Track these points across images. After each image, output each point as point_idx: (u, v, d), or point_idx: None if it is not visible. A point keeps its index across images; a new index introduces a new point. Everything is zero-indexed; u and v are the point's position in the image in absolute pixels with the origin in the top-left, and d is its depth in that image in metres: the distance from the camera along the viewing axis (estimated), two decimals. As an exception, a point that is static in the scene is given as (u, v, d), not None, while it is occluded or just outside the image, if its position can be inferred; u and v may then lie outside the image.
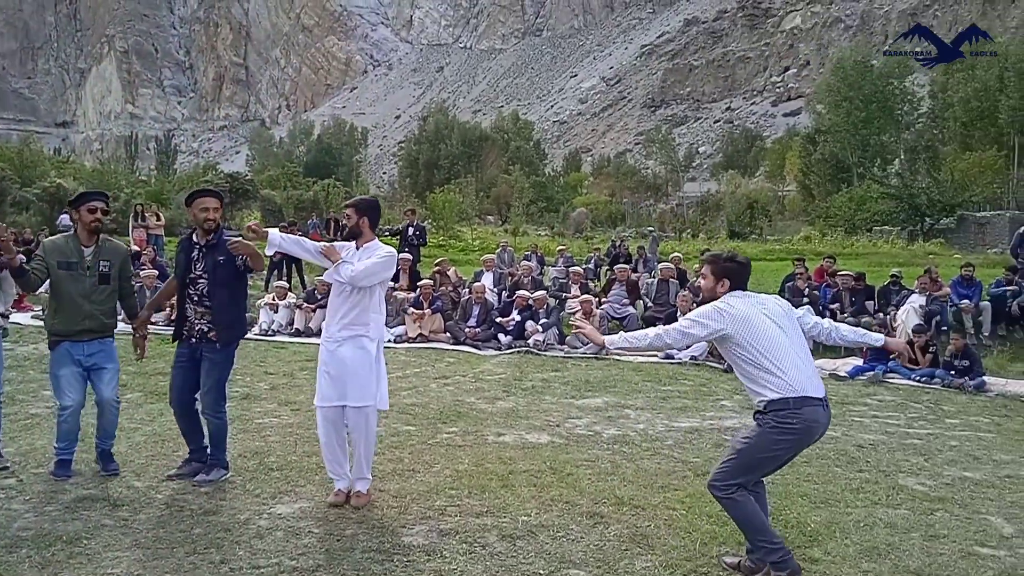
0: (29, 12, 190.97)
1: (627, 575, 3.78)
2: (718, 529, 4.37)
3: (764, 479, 3.92)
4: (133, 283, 5.36)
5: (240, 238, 4.74)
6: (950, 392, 8.92)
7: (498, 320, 11.48)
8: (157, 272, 13.03)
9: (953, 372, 9.24)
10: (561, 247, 19.84)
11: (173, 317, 5.16)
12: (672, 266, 13.25)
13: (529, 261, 15.33)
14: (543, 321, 11.25)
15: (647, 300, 12.67)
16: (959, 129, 43.76)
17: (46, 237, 8.35)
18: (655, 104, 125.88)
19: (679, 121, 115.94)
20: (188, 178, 41.54)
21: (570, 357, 10.50)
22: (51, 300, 5.01)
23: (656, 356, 10.44)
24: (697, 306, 4.43)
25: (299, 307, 12.20)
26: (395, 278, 12.00)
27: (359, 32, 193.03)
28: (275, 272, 15.56)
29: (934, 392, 8.93)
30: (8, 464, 5.13)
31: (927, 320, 10.63)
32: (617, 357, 10.50)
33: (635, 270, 15.44)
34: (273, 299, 12.33)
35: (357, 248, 4.74)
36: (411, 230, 16.59)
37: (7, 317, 10.80)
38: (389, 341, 10.09)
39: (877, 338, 4.23)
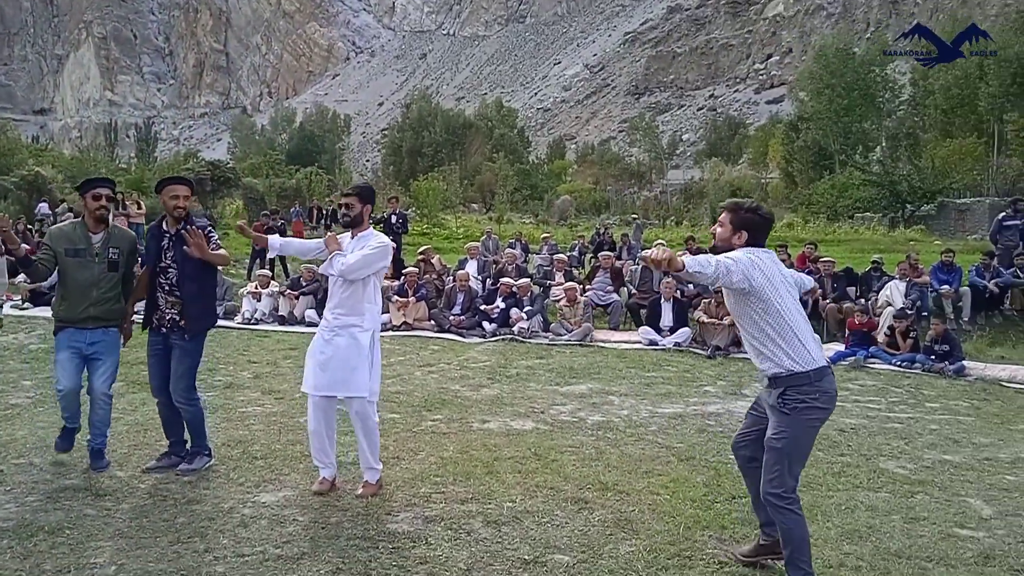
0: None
1: (612, 560, 3.79)
2: (701, 513, 4.40)
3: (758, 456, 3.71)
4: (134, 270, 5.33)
5: (197, 241, 4.73)
6: (930, 377, 9.03)
7: (482, 308, 11.48)
8: (139, 261, 12.90)
9: (933, 357, 9.34)
10: (545, 235, 19.92)
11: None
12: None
13: (513, 249, 15.35)
14: (527, 309, 11.27)
15: (631, 287, 12.71)
16: (940, 116, 44.04)
17: (25, 225, 8.25)
18: (639, 91, 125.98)
19: (663, 108, 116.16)
20: (169, 166, 41.06)
21: (554, 344, 10.52)
22: (58, 287, 4.99)
23: (640, 342, 10.49)
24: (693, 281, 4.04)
25: (283, 294, 12.16)
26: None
27: (341, 18, 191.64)
28: (257, 261, 15.48)
29: (914, 377, 9.04)
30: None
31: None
32: (601, 344, 10.55)
33: (619, 257, 15.50)
34: (256, 287, 12.26)
35: (352, 237, 4.72)
36: (394, 218, 16.59)
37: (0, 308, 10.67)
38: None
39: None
